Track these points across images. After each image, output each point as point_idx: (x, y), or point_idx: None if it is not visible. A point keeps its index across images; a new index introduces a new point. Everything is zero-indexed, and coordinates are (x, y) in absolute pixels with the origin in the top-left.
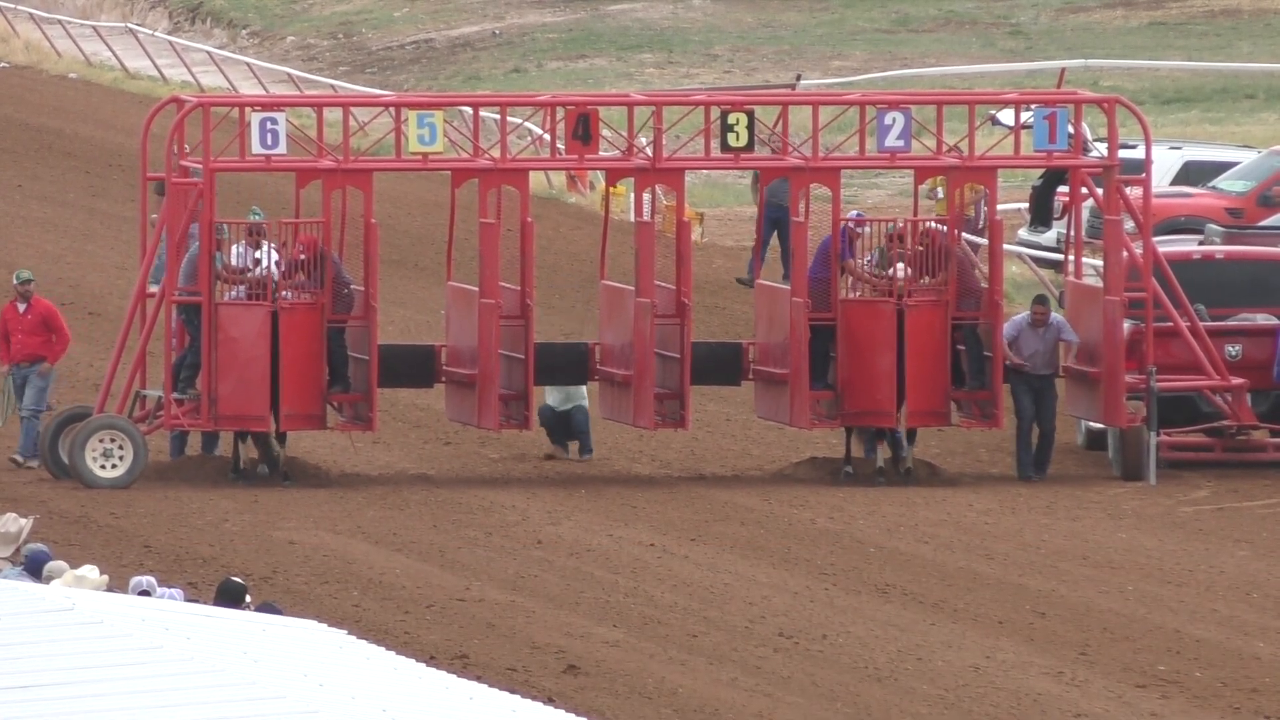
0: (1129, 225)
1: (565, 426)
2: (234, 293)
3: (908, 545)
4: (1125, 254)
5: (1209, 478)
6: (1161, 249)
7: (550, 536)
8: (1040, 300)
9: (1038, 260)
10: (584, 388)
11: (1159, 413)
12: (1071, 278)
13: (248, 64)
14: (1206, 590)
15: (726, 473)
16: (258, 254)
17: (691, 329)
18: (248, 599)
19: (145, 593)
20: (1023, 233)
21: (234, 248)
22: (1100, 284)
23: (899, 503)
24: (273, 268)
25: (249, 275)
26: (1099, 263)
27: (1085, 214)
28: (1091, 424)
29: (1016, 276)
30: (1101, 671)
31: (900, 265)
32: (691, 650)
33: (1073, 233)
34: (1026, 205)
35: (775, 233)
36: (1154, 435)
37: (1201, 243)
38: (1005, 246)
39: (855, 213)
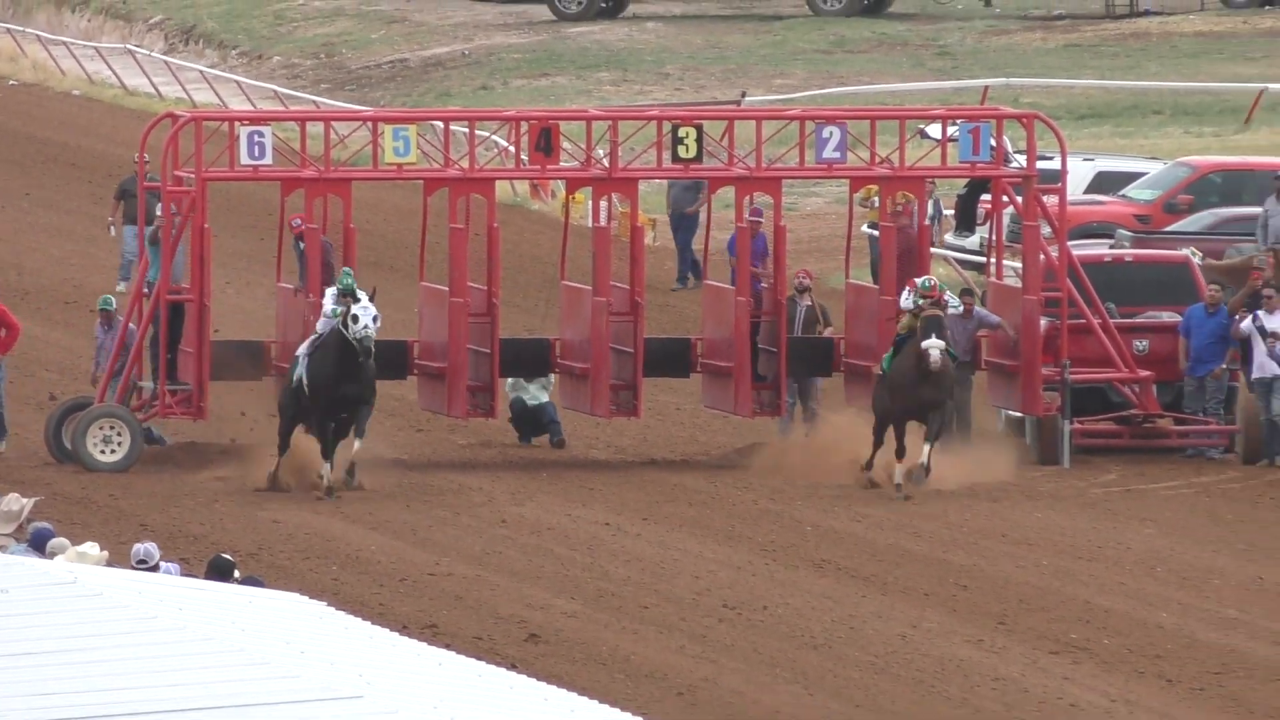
0: (1046, 230)
1: (535, 421)
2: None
3: (842, 524)
4: (1042, 257)
5: (1118, 462)
6: (1075, 252)
7: (514, 516)
8: (966, 293)
9: (962, 262)
10: (550, 385)
11: (1072, 402)
12: (993, 278)
13: (237, 82)
14: (1114, 565)
15: (676, 457)
16: (355, 311)
17: (644, 326)
18: (235, 574)
19: (143, 561)
20: (949, 237)
21: (327, 294)
22: (1020, 284)
23: (834, 486)
24: (371, 325)
25: (324, 321)
26: (1019, 265)
27: (1006, 220)
28: (1010, 412)
29: (943, 277)
30: (1019, 639)
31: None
32: (643, 620)
33: (994, 237)
34: (953, 212)
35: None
36: (1068, 423)
37: (1112, 246)
38: (933, 250)
39: (753, 208)
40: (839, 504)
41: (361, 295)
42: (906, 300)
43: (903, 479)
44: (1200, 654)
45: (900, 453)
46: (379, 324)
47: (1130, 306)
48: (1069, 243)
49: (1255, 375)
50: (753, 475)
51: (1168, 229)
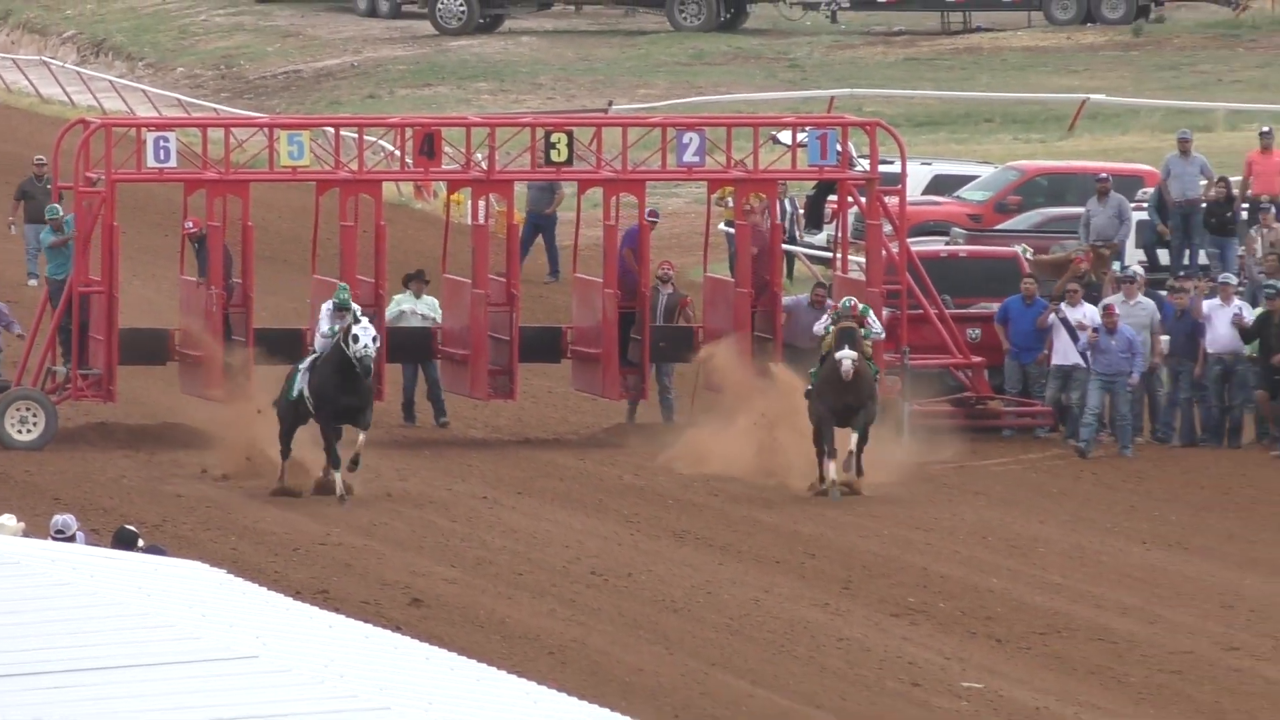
0: (887, 228)
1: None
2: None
3: (700, 498)
4: (884, 253)
5: (953, 441)
6: (914, 248)
7: (399, 490)
8: (821, 285)
9: (811, 258)
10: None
11: (912, 386)
12: (839, 273)
13: (144, 91)
14: (950, 534)
15: (548, 436)
16: (356, 331)
17: (519, 315)
18: (140, 544)
19: (61, 531)
20: (798, 234)
21: (323, 311)
22: (864, 278)
23: (690, 459)
24: (370, 345)
25: (322, 340)
26: (862, 260)
27: (850, 219)
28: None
29: (794, 272)
30: (862, 603)
31: None
32: (517, 586)
33: (840, 234)
34: (802, 211)
35: (538, 234)
36: (908, 405)
37: (948, 243)
38: (784, 246)
39: (650, 210)
40: (697, 480)
41: (358, 312)
42: (820, 327)
43: (837, 476)
44: (1027, 616)
45: (831, 453)
46: (378, 344)
47: (964, 298)
48: (908, 239)
49: (1055, 362)
50: (619, 453)
51: (998, 227)
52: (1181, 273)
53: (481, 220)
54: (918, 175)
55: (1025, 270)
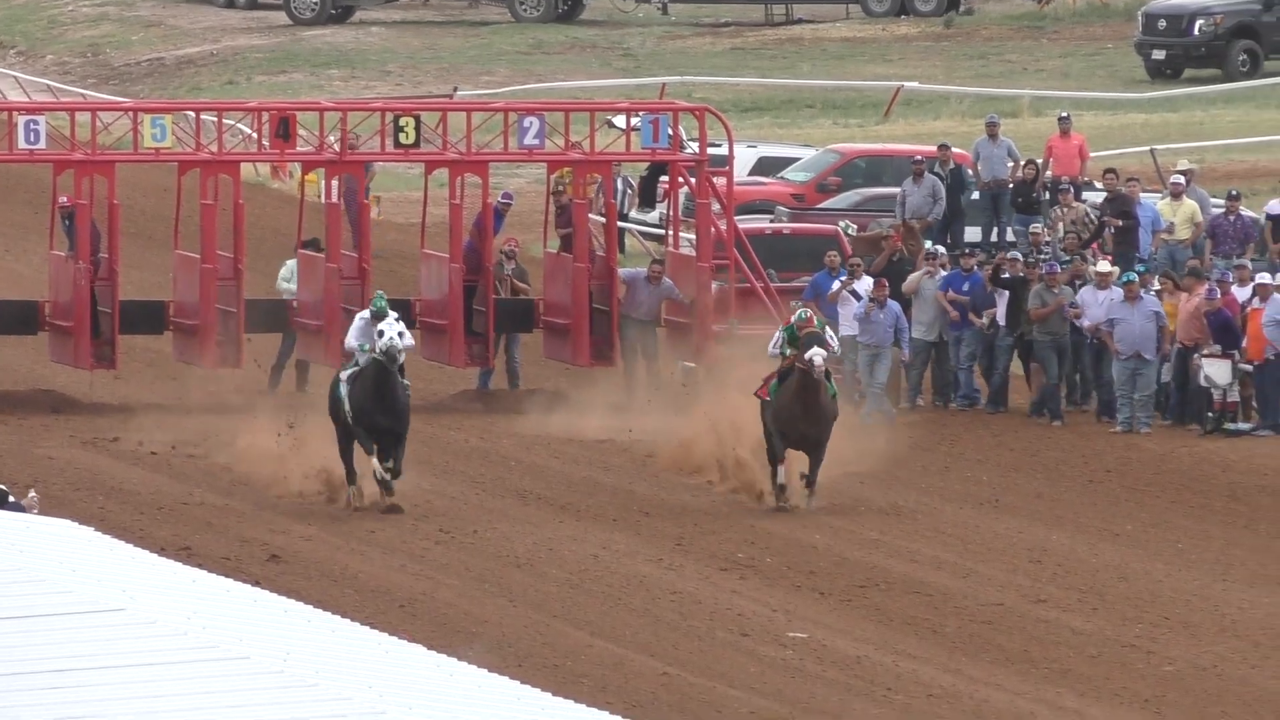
0: (716, 207)
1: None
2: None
3: (541, 459)
4: (713, 230)
5: None
6: (741, 226)
7: None
8: (659, 261)
9: (645, 235)
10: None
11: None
12: (671, 249)
13: (15, 77)
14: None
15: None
16: (381, 327)
17: (370, 288)
18: (10, 498)
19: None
20: (632, 213)
21: (356, 321)
22: (694, 253)
23: (534, 425)
24: (395, 338)
25: (362, 351)
26: (693, 236)
27: (681, 198)
28: (687, 364)
29: (628, 248)
30: (694, 559)
31: None
32: (369, 543)
33: (672, 213)
34: (636, 191)
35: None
36: (735, 371)
37: (772, 221)
38: (620, 224)
39: (504, 192)
40: (538, 441)
41: (391, 315)
42: (774, 347)
43: (782, 496)
44: (848, 570)
45: (774, 476)
46: (405, 339)
47: (789, 272)
48: (736, 218)
49: (843, 333)
50: (465, 417)
51: (820, 206)
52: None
53: (334, 199)
54: (744, 157)
55: (846, 248)
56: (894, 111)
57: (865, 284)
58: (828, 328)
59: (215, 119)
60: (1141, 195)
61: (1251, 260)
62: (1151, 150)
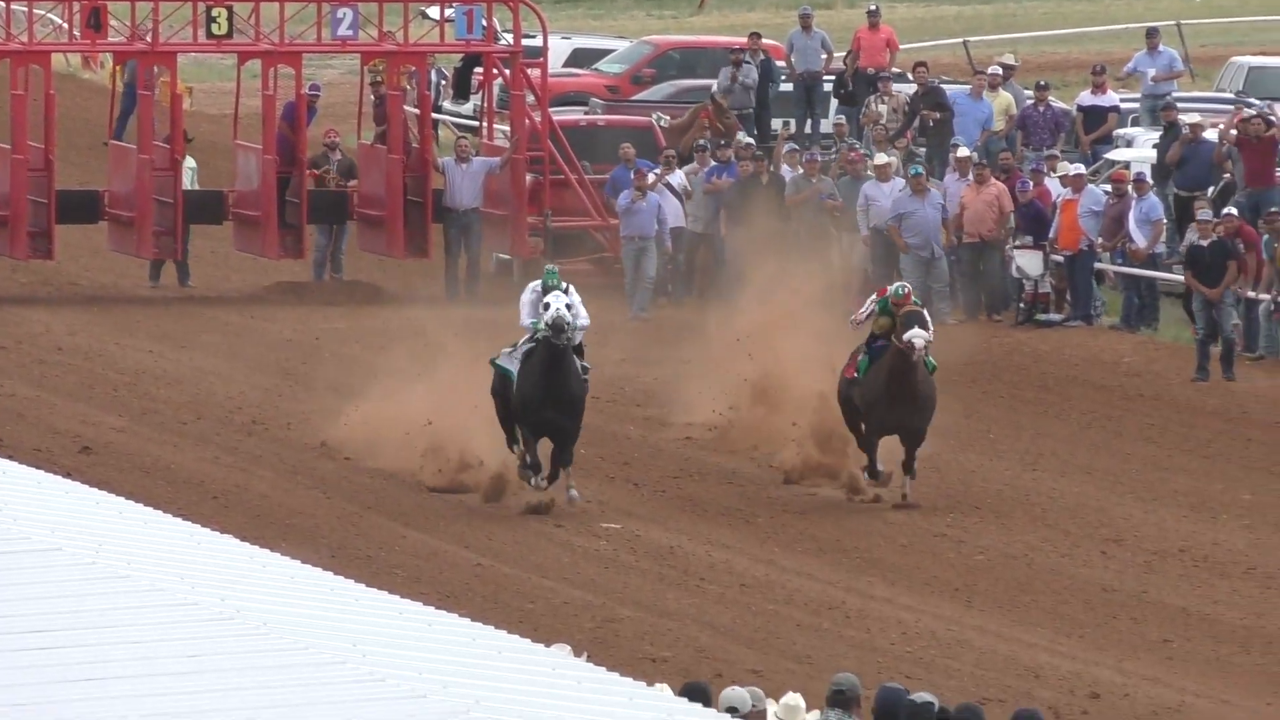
0: (530, 99)
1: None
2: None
3: (354, 351)
4: (527, 122)
5: (599, 297)
6: (555, 117)
7: (69, 344)
8: (464, 139)
9: (460, 126)
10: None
11: (554, 246)
12: (486, 140)
13: None
14: (595, 385)
15: (213, 294)
16: (548, 299)
17: (181, 179)
18: None
19: None
20: (446, 104)
21: (526, 295)
22: (509, 145)
23: (348, 316)
24: (563, 310)
25: (533, 328)
26: (507, 128)
27: (496, 90)
28: (501, 255)
29: (442, 140)
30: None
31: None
32: (182, 435)
33: (486, 105)
34: (450, 82)
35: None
36: (551, 265)
37: (587, 113)
38: (433, 115)
39: (312, 84)
40: (352, 334)
41: (561, 288)
42: (862, 316)
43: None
44: (662, 461)
45: (873, 473)
46: (580, 315)
47: (602, 164)
48: (550, 109)
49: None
50: (279, 309)
51: (634, 98)
52: (808, 144)
53: (147, 90)
54: (558, 49)
55: (661, 139)
56: (709, 4)
57: (679, 177)
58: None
59: (26, 9)
60: (953, 89)
61: (1062, 151)
62: (964, 42)
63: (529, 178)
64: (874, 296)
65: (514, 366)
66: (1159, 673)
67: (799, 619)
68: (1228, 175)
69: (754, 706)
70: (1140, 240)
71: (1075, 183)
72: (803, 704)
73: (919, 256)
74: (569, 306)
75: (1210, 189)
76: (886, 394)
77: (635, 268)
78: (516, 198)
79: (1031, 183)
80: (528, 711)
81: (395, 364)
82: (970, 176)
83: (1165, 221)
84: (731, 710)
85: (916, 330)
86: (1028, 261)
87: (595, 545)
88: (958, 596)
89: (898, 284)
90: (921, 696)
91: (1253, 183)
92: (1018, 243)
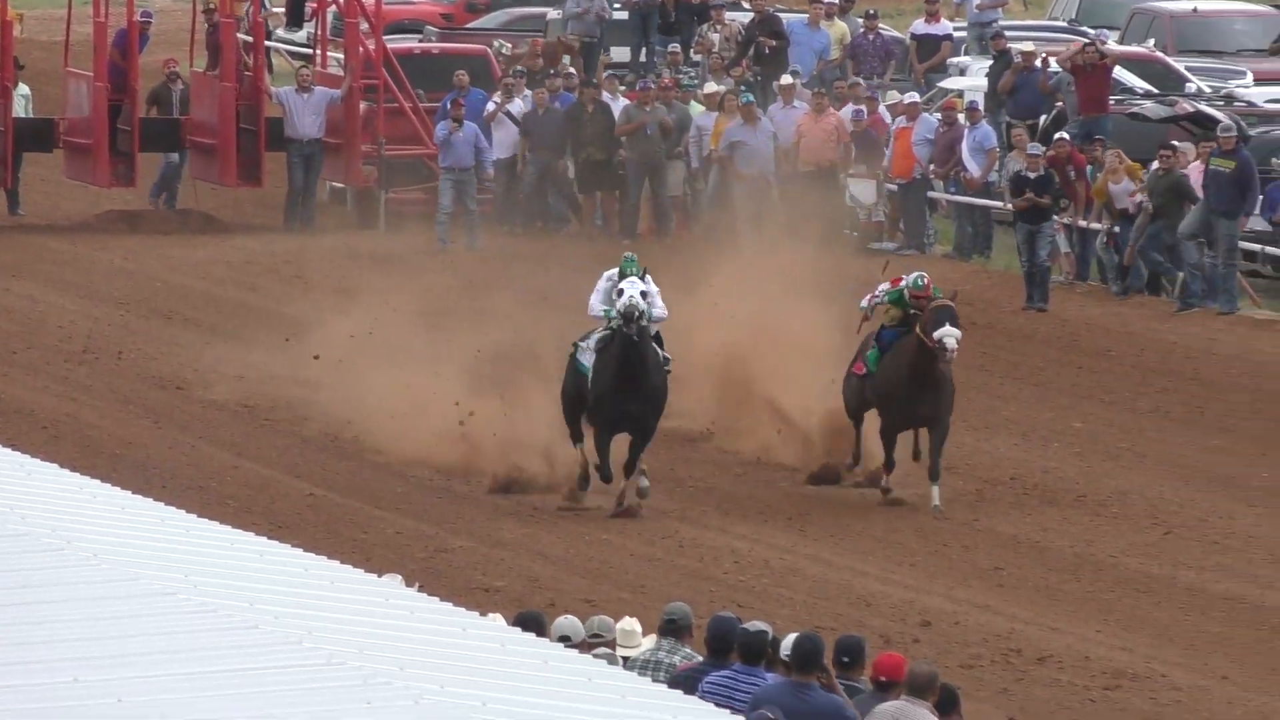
0: (364, 26)
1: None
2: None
3: (188, 280)
4: (361, 49)
5: (428, 225)
6: (390, 45)
7: None
8: (305, 68)
9: (292, 54)
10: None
11: (389, 175)
12: (320, 69)
13: None
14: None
15: (42, 222)
16: (623, 285)
17: (11, 106)
18: None
19: None
20: (280, 31)
21: (600, 283)
22: (343, 73)
23: (181, 244)
24: (637, 298)
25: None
26: (341, 56)
27: (330, 18)
28: (335, 183)
29: (276, 68)
30: (341, 379)
31: None
32: (12, 364)
33: (320, 32)
34: (283, 10)
35: None
36: (384, 193)
37: (421, 41)
38: (266, 43)
39: (144, 11)
40: (185, 263)
41: (637, 274)
42: (866, 302)
43: (890, 487)
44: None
45: (889, 465)
46: (656, 304)
47: (437, 92)
48: (384, 37)
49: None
50: (111, 238)
51: (469, 25)
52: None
53: None
54: None
55: (497, 69)
56: None
57: (518, 105)
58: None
59: None
60: (790, 17)
61: (894, 80)
62: None
63: (363, 106)
64: (884, 285)
65: (588, 360)
66: (990, 600)
67: (632, 549)
68: (1060, 104)
69: (598, 635)
70: (973, 169)
71: (909, 111)
72: (639, 628)
73: (752, 186)
74: (644, 295)
75: (1043, 117)
76: (908, 387)
77: (455, 200)
78: (350, 126)
79: (865, 111)
80: (361, 641)
81: (228, 293)
82: (796, 104)
83: (998, 150)
84: (564, 639)
85: (949, 329)
86: (861, 190)
87: (428, 475)
88: (791, 526)
89: (916, 274)
90: (755, 625)
91: (1086, 110)
92: (852, 171)
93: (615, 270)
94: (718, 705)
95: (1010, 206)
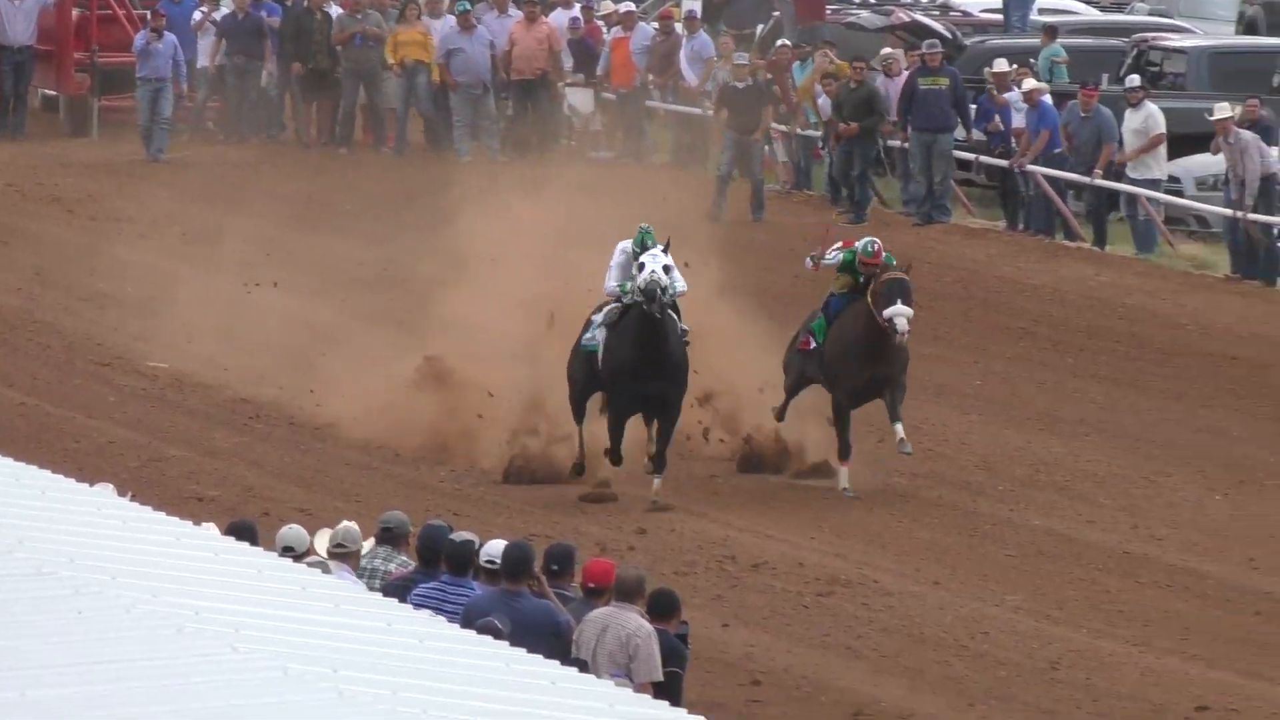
0: None
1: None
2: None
3: (10, 200)
4: None
5: (203, 142)
6: None
7: None
8: None
9: None
10: None
11: (102, 82)
12: None
13: None
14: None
15: None
16: (643, 259)
17: None
18: None
19: None
20: None
21: (615, 255)
22: None
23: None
24: (659, 272)
25: (623, 293)
26: None
27: None
28: (46, 91)
29: None
30: (52, 289)
31: None
32: None
33: None
34: None
35: None
36: (97, 100)
37: None
38: None
39: None
40: (47, 206)
41: (658, 247)
42: (821, 259)
43: (849, 483)
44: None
45: (844, 451)
46: (676, 278)
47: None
48: None
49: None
50: None
51: None
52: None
53: None
54: None
55: None
56: None
57: (223, 14)
58: (894, 260)
59: None
60: None
61: None
62: None
63: (75, 13)
64: (839, 244)
65: (599, 337)
66: (706, 508)
67: (348, 457)
68: (777, 13)
69: (342, 546)
70: (691, 78)
71: (626, 20)
72: (358, 530)
73: (469, 93)
74: (666, 269)
75: (760, 26)
76: (859, 356)
77: (151, 108)
78: (62, 32)
79: (582, 19)
80: (72, 551)
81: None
82: (511, 12)
83: (716, 59)
84: (287, 550)
85: (900, 307)
86: (579, 99)
87: (141, 384)
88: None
89: (867, 239)
90: (461, 536)
91: (804, 19)
92: (569, 80)
93: (629, 242)
94: None
95: (711, 113)
